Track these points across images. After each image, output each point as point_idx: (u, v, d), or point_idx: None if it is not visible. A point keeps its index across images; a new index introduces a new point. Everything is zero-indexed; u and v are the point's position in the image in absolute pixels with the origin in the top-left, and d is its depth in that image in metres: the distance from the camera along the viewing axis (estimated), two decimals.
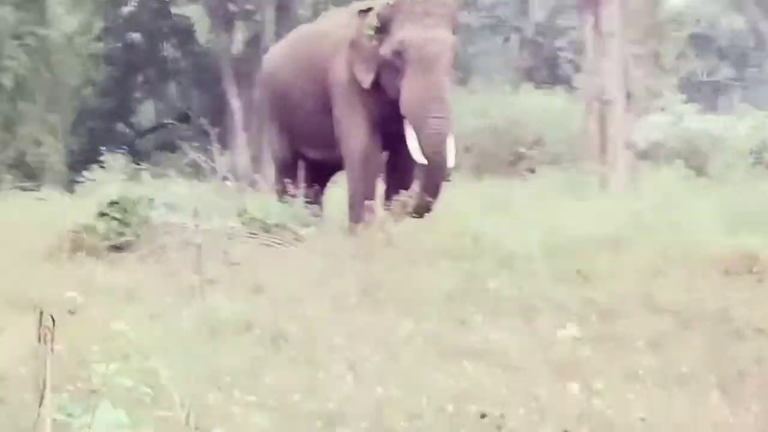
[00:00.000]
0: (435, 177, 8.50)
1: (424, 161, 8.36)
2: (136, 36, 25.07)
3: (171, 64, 25.85)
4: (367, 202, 8.45)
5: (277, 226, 7.43)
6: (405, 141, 8.46)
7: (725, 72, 34.14)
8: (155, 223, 6.78)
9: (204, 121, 24.53)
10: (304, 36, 10.05)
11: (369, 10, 8.84)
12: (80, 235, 6.75)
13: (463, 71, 23.92)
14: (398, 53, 8.42)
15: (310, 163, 9.81)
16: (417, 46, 8.39)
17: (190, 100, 25.65)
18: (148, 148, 24.60)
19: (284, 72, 9.67)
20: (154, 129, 26.49)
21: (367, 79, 8.65)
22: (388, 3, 8.69)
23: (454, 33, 8.76)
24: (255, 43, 22.47)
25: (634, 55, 26.70)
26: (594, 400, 3.87)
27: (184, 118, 24.79)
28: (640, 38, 26.95)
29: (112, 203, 6.81)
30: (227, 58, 22.71)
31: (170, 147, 23.16)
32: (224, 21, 22.96)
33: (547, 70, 30.00)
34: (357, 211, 8.56)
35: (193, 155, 9.57)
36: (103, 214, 6.74)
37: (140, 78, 26.41)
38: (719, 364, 4.83)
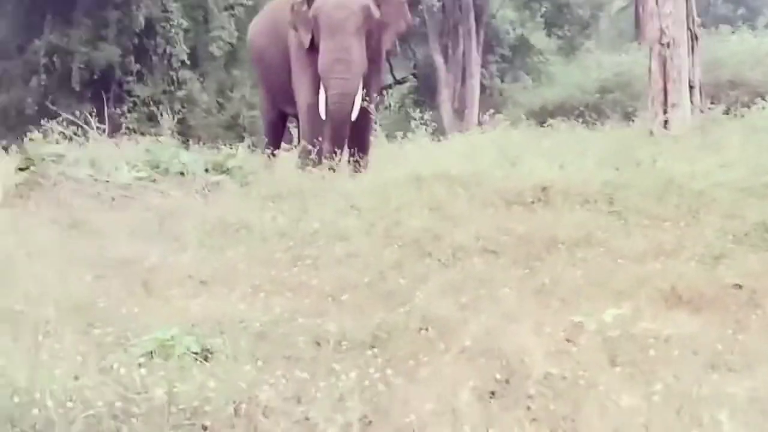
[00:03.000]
0: (338, 130, 9.48)
1: (324, 115, 9.37)
2: None
3: None
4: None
5: (183, 174, 8.80)
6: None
7: None
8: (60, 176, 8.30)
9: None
10: (275, 5, 11.30)
11: None
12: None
13: None
14: (315, 18, 9.48)
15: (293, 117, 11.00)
16: (325, 12, 9.47)
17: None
18: None
19: (261, 38, 11.02)
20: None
21: (305, 40, 9.75)
22: None
23: None
24: None
25: None
26: None
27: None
28: None
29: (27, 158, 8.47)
30: (431, 13, 23.91)
31: None
32: None
33: None
34: (304, 154, 9.60)
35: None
36: (21, 169, 8.44)
37: None
38: None
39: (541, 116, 17.27)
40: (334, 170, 8.91)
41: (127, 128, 14.20)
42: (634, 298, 5.42)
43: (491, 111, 11.38)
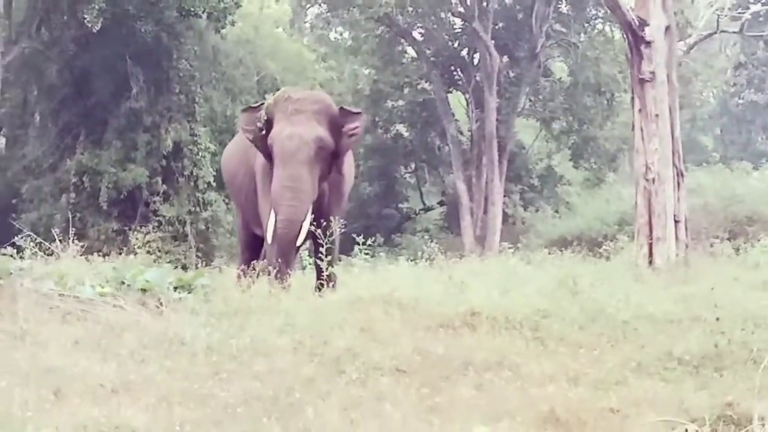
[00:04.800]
0: (284, 253, 9.77)
1: (270, 240, 9.71)
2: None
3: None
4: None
5: (145, 291, 9.17)
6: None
7: None
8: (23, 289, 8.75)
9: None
10: None
11: (260, 105, 10.41)
12: None
13: None
14: (271, 146, 9.92)
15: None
16: (279, 141, 9.84)
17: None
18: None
19: (232, 162, 11.50)
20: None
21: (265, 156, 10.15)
22: (269, 101, 10.25)
23: (331, 127, 10.01)
24: (480, 128, 24.28)
25: None
26: None
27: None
28: None
29: None
30: (455, 143, 24.66)
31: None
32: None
33: None
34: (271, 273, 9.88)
35: None
36: None
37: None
38: None
39: (561, 246, 17.55)
40: (285, 290, 9.18)
41: (151, 247, 14.67)
42: (513, 418, 5.63)
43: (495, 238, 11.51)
